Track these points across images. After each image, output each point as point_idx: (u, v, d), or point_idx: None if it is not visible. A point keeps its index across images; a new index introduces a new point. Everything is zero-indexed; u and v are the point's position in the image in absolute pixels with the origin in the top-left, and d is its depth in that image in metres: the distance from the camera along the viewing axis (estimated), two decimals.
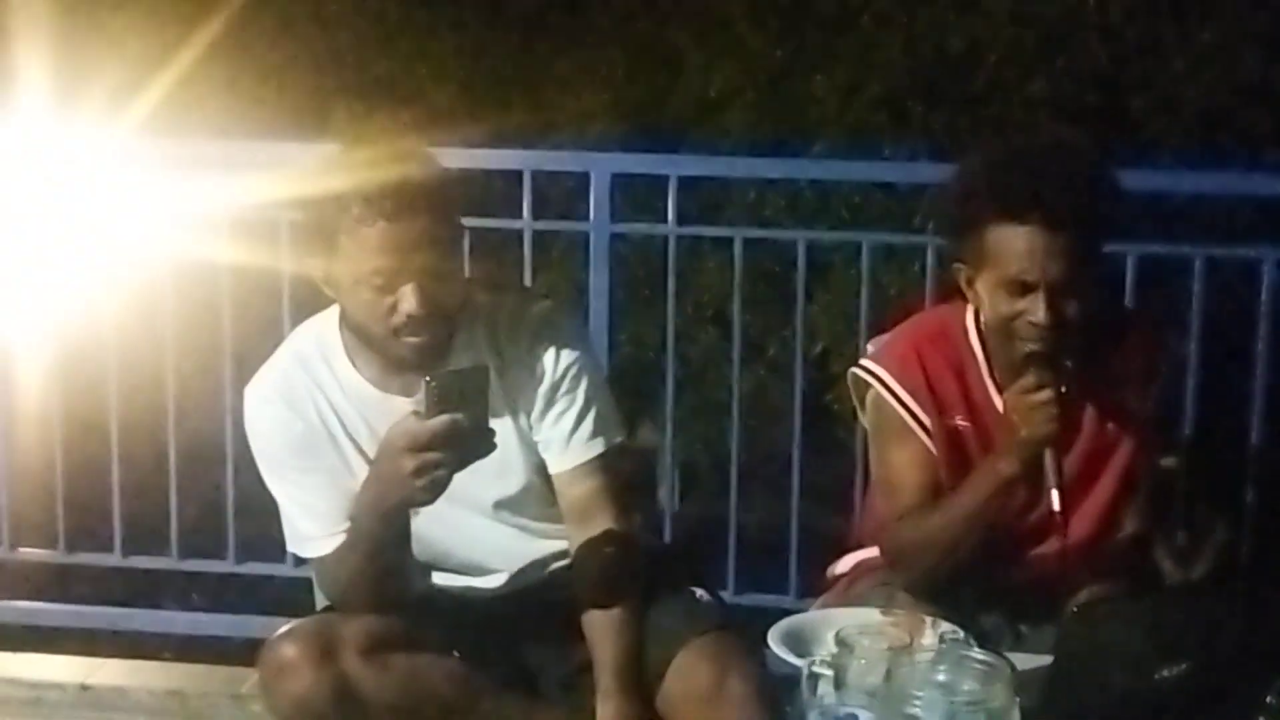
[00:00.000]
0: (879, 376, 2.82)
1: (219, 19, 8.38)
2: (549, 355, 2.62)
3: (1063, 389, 2.61)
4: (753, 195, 8.04)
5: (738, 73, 8.95)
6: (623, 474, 2.68)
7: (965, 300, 2.78)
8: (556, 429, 2.62)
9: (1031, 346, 2.63)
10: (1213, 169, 7.43)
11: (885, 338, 2.95)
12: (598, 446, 2.63)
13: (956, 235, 2.74)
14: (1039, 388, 2.60)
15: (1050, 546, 2.76)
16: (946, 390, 2.79)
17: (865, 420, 2.91)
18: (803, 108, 8.76)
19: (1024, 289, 2.60)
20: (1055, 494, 2.64)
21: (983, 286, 2.67)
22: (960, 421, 2.79)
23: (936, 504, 2.75)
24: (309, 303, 2.73)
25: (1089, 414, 2.77)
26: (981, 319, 2.75)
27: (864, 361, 2.87)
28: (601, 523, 2.61)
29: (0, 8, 8.61)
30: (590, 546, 2.60)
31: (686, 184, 3.92)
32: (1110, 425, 2.78)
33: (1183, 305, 3.73)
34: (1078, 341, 2.66)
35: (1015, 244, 2.59)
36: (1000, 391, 2.76)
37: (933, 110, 8.69)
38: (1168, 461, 2.96)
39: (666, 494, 4.07)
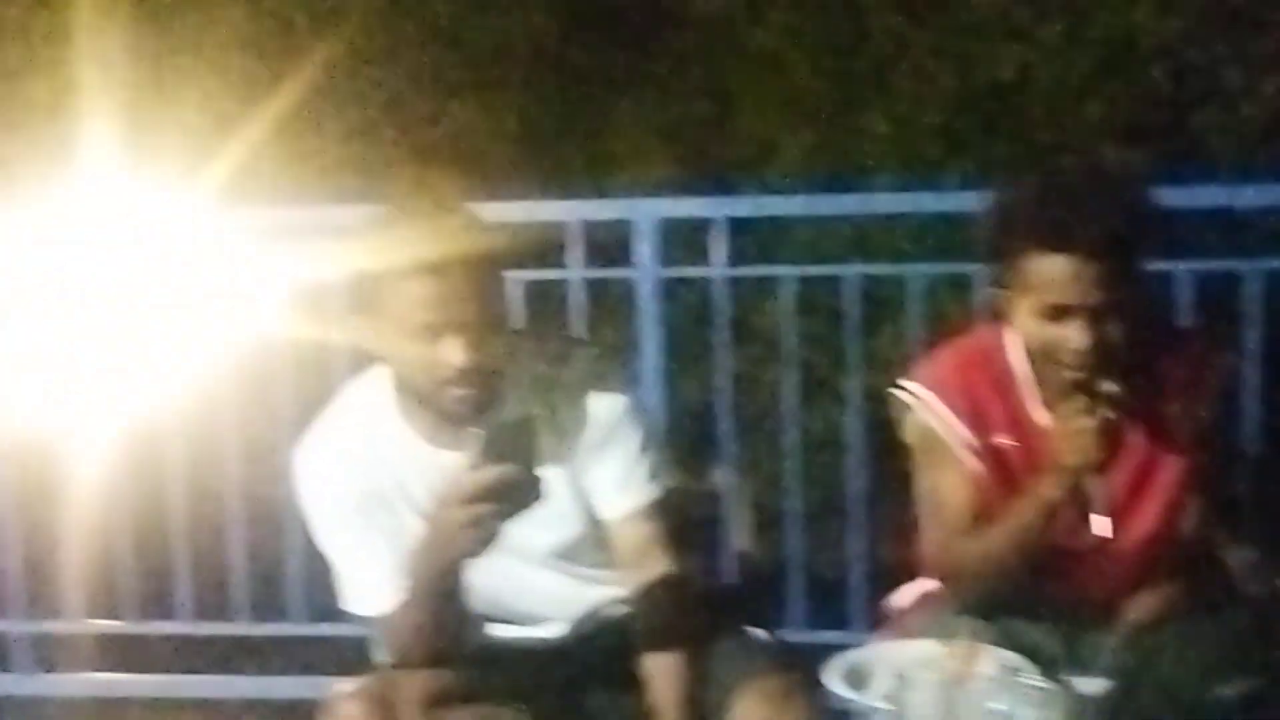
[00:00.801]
0: (920, 397, 2.83)
1: (278, 89, 8.46)
2: (597, 402, 2.63)
3: (1106, 415, 2.61)
4: (812, 234, 8.04)
5: (790, 111, 8.94)
6: (676, 518, 2.68)
7: (1006, 323, 2.79)
8: (607, 476, 2.63)
9: (1074, 373, 2.63)
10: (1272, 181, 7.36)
11: (928, 360, 2.96)
12: (649, 491, 2.64)
13: (995, 263, 2.75)
14: (1080, 415, 2.60)
15: (1101, 568, 2.75)
16: (990, 409, 2.79)
17: (910, 442, 2.90)
18: (857, 143, 8.75)
19: (1062, 315, 2.60)
20: (1103, 520, 2.64)
21: (1023, 312, 2.67)
22: (1004, 440, 2.79)
23: (984, 526, 2.75)
24: (364, 364, 2.75)
25: (1137, 434, 2.76)
26: (1023, 342, 2.76)
27: (905, 382, 2.87)
28: (656, 567, 2.61)
29: (67, 79, 8.73)
30: (646, 591, 2.61)
31: (744, 226, 3.95)
32: (1159, 444, 2.77)
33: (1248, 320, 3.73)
34: (1120, 364, 2.66)
35: (1052, 272, 2.60)
36: (1045, 410, 2.77)
37: (989, 139, 8.66)
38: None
39: (731, 535, 4.06)
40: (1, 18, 9.43)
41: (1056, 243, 2.59)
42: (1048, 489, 2.66)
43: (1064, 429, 2.63)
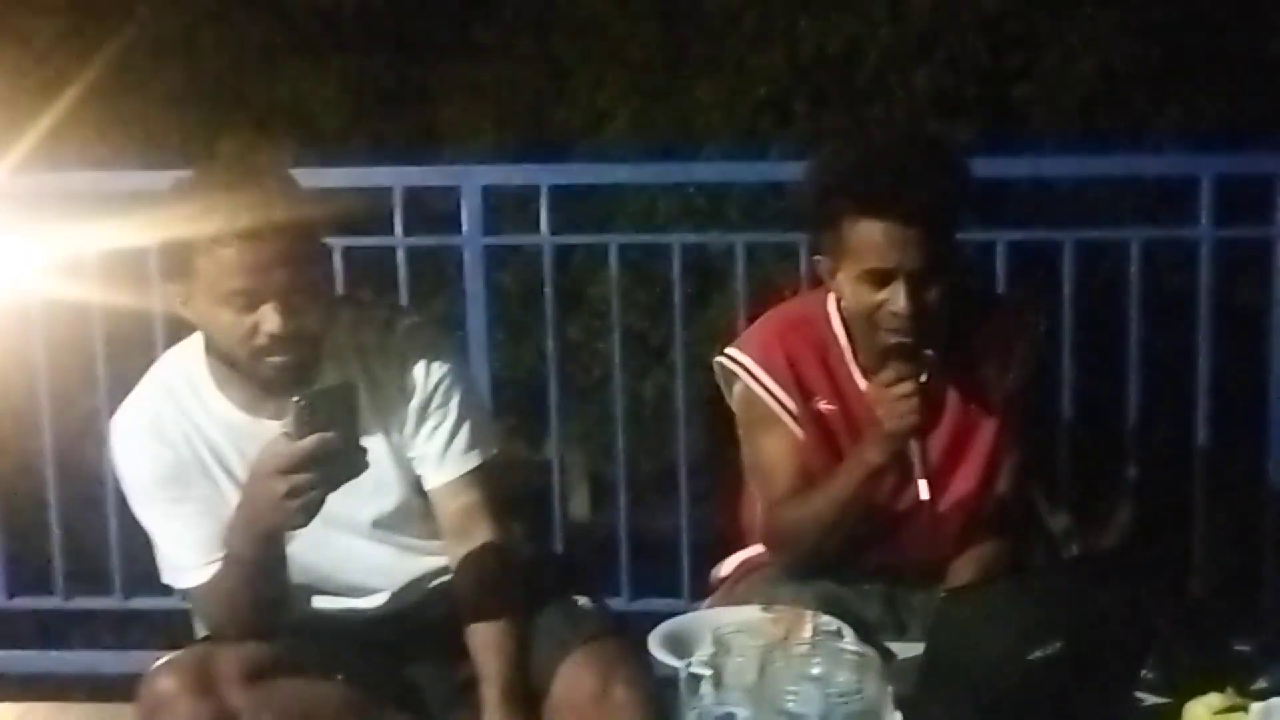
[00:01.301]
0: (743, 364, 2.85)
1: (92, 53, 8.30)
2: (419, 370, 2.62)
3: (924, 379, 2.65)
4: (643, 204, 8.05)
5: (621, 82, 8.98)
6: (501, 486, 2.68)
7: (827, 288, 2.81)
8: (430, 444, 2.62)
9: (894, 337, 2.66)
10: (1088, 153, 7.50)
11: (750, 328, 2.98)
12: (473, 460, 2.63)
13: (816, 230, 2.77)
14: (899, 380, 2.63)
15: (921, 531, 2.80)
16: (811, 375, 2.82)
17: (731, 399, 2.92)
18: (687, 114, 8.81)
19: (883, 279, 2.63)
20: (923, 484, 2.68)
21: (844, 278, 2.70)
22: (825, 406, 2.82)
23: (808, 490, 2.78)
24: (184, 331, 2.70)
25: (955, 398, 2.81)
26: (844, 307, 2.78)
27: (729, 350, 2.89)
28: (480, 536, 2.60)
29: None
30: (469, 560, 2.59)
31: (574, 195, 3.92)
32: (977, 408, 2.82)
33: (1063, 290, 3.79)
34: (940, 329, 2.70)
35: (872, 236, 2.63)
36: (865, 375, 2.80)
37: (816, 110, 8.76)
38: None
39: (558, 504, 4.05)
40: None
41: (876, 207, 2.62)
42: (870, 453, 2.70)
43: (883, 395, 2.66)
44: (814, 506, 2.76)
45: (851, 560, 2.79)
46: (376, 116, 9.45)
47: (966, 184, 2.74)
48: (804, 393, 2.81)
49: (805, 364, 2.82)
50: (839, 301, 2.79)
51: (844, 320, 2.81)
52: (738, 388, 2.87)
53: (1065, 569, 2.65)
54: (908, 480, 2.70)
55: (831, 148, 2.93)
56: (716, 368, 2.90)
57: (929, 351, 2.69)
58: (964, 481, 2.81)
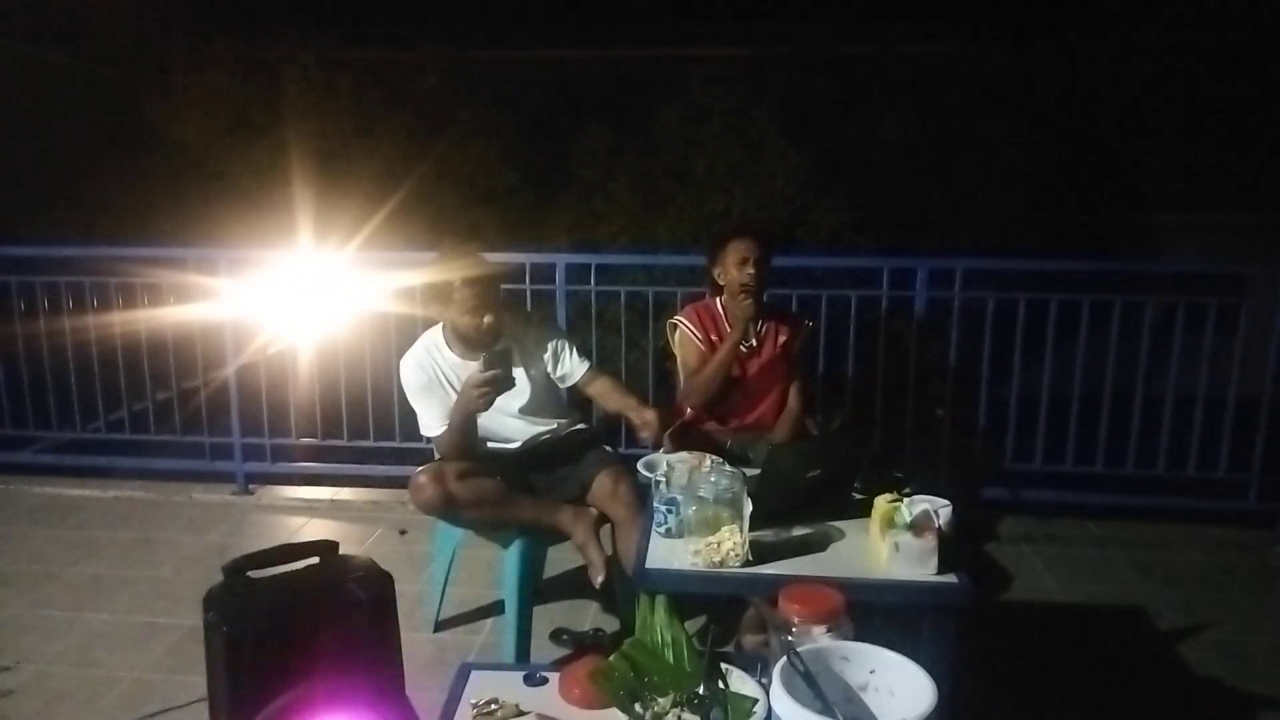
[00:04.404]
0: (681, 322, 2.86)
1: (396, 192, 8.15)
2: (545, 337, 2.59)
3: (754, 303, 2.69)
4: (635, 274, 7.81)
5: (621, 216, 8.55)
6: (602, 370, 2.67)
7: (716, 294, 2.83)
8: (568, 365, 2.61)
9: (746, 286, 2.71)
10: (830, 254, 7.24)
11: (684, 309, 2.94)
12: (588, 363, 2.63)
13: (717, 252, 2.80)
14: (745, 294, 2.68)
15: (752, 422, 2.79)
16: (707, 326, 2.83)
17: (674, 342, 2.91)
18: (656, 232, 8.45)
19: (742, 264, 2.70)
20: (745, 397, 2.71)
21: (727, 266, 2.75)
22: (713, 338, 2.82)
23: (704, 368, 2.78)
24: (427, 323, 2.65)
25: (768, 354, 2.80)
26: (723, 286, 2.80)
27: (676, 318, 2.90)
28: (601, 384, 2.60)
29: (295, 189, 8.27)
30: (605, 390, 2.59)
31: (603, 269, 3.86)
32: (778, 359, 2.81)
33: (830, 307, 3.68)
34: (761, 297, 2.73)
35: (741, 244, 2.73)
36: (730, 327, 2.81)
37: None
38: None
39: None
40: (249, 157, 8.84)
41: (743, 233, 2.73)
42: (732, 337, 2.73)
43: (738, 301, 2.70)
44: (707, 372, 2.75)
45: (720, 435, 2.75)
46: (517, 231, 9.21)
47: (774, 240, 2.81)
48: (704, 332, 2.81)
49: (705, 322, 2.82)
50: (720, 296, 2.81)
51: (722, 305, 2.82)
52: (679, 333, 2.86)
53: (822, 440, 2.64)
54: (746, 398, 2.69)
55: (725, 224, 2.95)
56: (668, 326, 2.89)
57: (757, 296, 2.73)
58: (769, 397, 2.78)
